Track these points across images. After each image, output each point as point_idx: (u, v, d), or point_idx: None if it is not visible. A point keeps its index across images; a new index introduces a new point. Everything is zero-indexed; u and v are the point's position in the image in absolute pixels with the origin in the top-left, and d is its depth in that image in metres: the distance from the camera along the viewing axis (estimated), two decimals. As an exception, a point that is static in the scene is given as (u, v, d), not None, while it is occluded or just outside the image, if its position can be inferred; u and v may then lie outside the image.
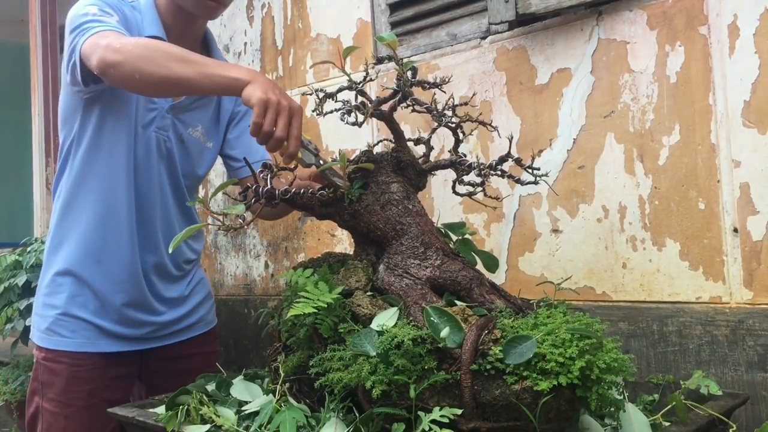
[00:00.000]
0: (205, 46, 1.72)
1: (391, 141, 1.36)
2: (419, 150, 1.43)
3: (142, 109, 1.59)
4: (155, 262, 1.67)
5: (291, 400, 1.23)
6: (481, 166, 1.28)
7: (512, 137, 1.37)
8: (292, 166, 1.29)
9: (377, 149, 1.41)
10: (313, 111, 1.30)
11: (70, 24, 1.47)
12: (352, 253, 1.37)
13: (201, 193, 2.69)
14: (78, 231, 1.61)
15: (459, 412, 1.01)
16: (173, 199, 1.68)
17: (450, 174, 1.37)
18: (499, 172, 1.29)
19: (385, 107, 1.32)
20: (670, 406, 1.20)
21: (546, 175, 1.34)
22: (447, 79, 1.32)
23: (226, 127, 1.78)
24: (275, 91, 1.26)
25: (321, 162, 1.33)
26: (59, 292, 1.61)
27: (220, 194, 2.65)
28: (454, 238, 1.44)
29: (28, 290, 2.77)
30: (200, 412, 1.24)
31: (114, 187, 1.59)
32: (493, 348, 1.03)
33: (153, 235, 1.64)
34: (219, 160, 1.85)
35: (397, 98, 1.29)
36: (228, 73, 1.31)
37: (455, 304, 1.16)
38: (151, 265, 1.66)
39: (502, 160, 1.30)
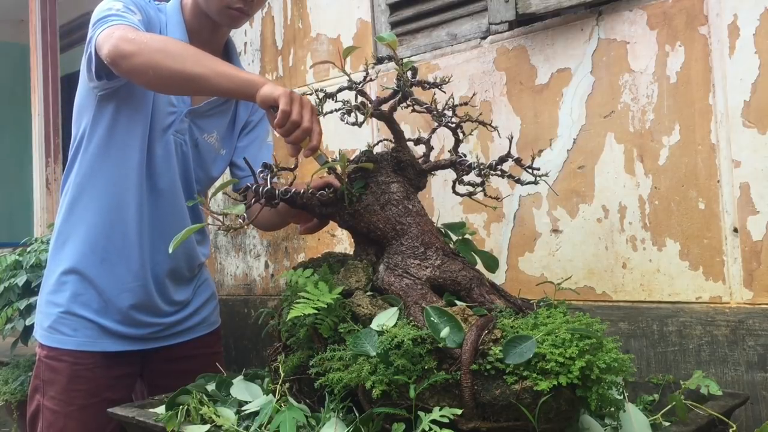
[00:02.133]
0: (226, 53, 1.71)
1: (391, 141, 1.36)
2: (419, 150, 1.43)
3: (162, 112, 1.58)
4: (171, 266, 1.66)
5: (291, 400, 1.23)
6: (481, 166, 1.28)
7: (512, 137, 1.37)
8: (294, 164, 1.29)
9: (377, 149, 1.41)
10: (313, 111, 1.30)
11: (92, 20, 1.48)
12: (352, 253, 1.37)
13: (201, 193, 2.68)
14: (83, 229, 1.61)
15: (459, 412, 1.01)
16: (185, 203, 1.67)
17: (450, 174, 1.37)
18: (499, 172, 1.29)
19: (385, 107, 1.32)
20: (670, 406, 1.20)
21: (546, 175, 1.34)
22: (447, 79, 1.32)
23: (238, 135, 1.78)
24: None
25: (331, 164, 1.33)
26: (62, 290, 1.61)
27: (220, 194, 2.65)
28: (454, 238, 1.44)
29: (28, 290, 2.77)
30: (200, 412, 1.24)
31: (123, 187, 1.58)
32: (493, 348, 1.03)
33: (167, 239, 1.63)
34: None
35: (397, 98, 1.29)
36: (242, 75, 1.32)
37: (455, 304, 1.16)
38: (165, 268, 1.65)
39: (502, 160, 1.30)
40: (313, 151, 1.27)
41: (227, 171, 1.85)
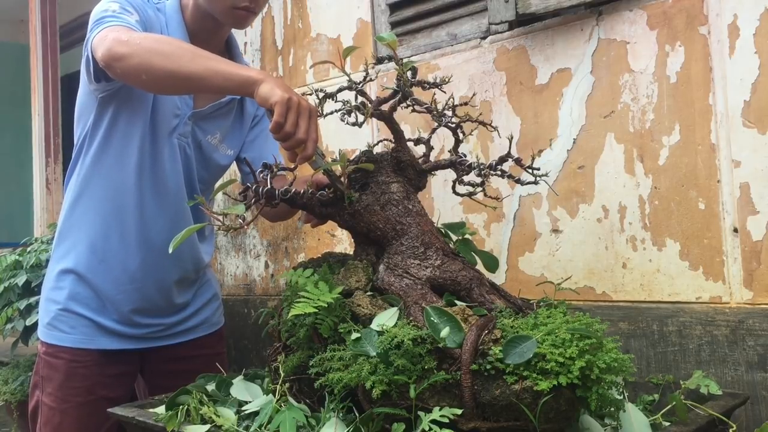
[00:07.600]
0: (228, 50, 1.70)
1: (391, 141, 1.36)
2: (419, 150, 1.43)
3: (168, 116, 1.57)
4: (180, 275, 1.67)
5: (291, 400, 1.23)
6: (481, 166, 1.28)
7: (512, 137, 1.37)
8: (294, 165, 1.29)
9: (377, 149, 1.41)
10: (313, 111, 1.30)
11: (90, 22, 1.47)
12: (352, 253, 1.37)
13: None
14: (83, 229, 1.61)
15: (459, 412, 1.01)
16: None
17: (450, 174, 1.37)
18: (499, 172, 1.29)
19: (385, 107, 1.32)
20: (670, 406, 1.20)
21: (546, 175, 1.34)
22: (447, 79, 1.32)
23: (248, 130, 1.77)
24: (292, 90, 1.24)
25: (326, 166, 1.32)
26: (61, 288, 1.62)
27: (220, 194, 2.65)
28: (454, 238, 1.44)
29: (28, 290, 2.77)
30: (200, 412, 1.24)
31: (121, 189, 1.58)
32: (493, 348, 1.03)
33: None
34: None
35: (397, 98, 1.29)
36: (240, 72, 1.29)
37: (455, 304, 1.16)
38: (175, 277, 1.66)
39: (502, 160, 1.30)
40: (306, 160, 1.25)
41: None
